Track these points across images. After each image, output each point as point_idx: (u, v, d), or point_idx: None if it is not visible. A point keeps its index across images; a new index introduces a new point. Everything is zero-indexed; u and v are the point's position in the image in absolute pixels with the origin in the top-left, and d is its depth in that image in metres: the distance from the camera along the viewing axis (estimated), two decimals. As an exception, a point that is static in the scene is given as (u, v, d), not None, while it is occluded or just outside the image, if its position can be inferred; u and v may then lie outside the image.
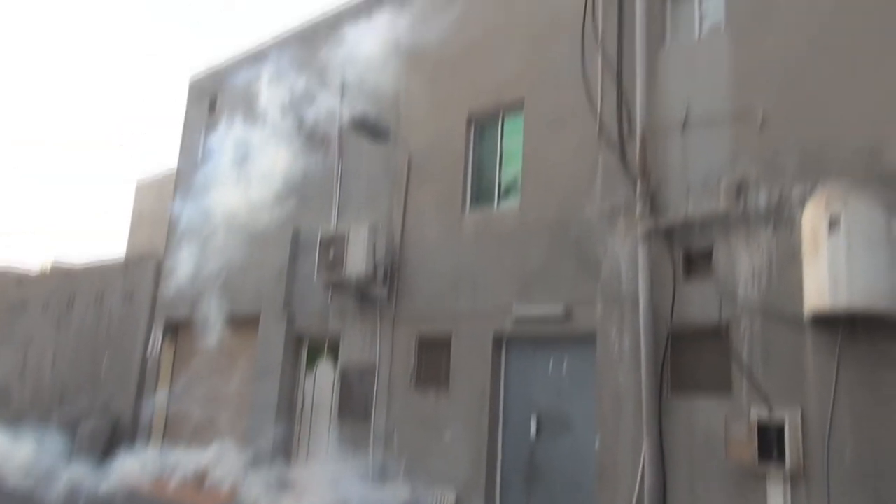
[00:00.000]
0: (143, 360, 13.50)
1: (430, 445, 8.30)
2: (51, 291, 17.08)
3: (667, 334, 6.62)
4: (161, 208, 15.63)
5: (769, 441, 5.73)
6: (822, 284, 5.36)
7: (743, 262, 6.31)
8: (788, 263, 5.99)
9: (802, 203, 5.89)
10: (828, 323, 5.61)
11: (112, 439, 13.35)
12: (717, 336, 6.30)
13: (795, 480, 5.69)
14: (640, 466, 6.50)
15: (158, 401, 12.95)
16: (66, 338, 15.99)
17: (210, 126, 13.17)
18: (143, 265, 14.30)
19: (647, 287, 6.71)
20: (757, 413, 5.89)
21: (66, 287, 16.59)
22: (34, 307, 17.44)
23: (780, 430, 5.70)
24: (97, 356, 14.62)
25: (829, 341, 5.66)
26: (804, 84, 6.26)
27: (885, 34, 5.91)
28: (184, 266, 13.01)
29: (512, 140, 8.72)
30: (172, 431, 12.86)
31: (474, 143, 9.13)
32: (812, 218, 5.59)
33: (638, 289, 6.81)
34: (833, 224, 5.35)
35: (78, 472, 11.28)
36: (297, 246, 10.85)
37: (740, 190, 6.42)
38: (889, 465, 5.33)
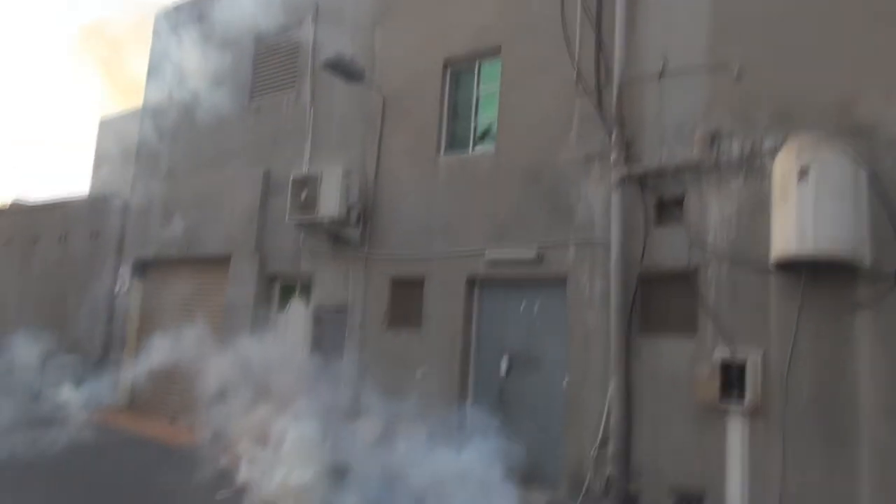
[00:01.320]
0: (112, 300, 13.38)
1: (402, 384, 8.47)
2: (13, 228, 16.67)
3: (637, 278, 6.81)
4: (124, 146, 15.24)
5: (731, 380, 6.02)
6: (790, 231, 5.54)
7: (713, 209, 6.48)
8: (757, 211, 6.17)
9: (773, 154, 6.02)
10: (792, 268, 5.83)
11: (81, 377, 13.34)
12: (686, 280, 6.50)
13: (754, 416, 6.00)
14: (607, 404, 6.78)
15: (128, 340, 12.92)
16: (31, 276, 15.71)
17: (177, 58, 12.75)
18: (108, 203, 14.00)
19: (620, 232, 6.85)
20: (720, 353, 6.16)
21: (29, 224, 16.21)
22: (-4, 244, 17.03)
23: (742, 370, 5.99)
24: (64, 295, 14.42)
25: (793, 286, 5.90)
26: (780, 37, 6.32)
27: (863, -15, 5.98)
28: (151, 205, 12.82)
29: (488, 86, 8.66)
30: (143, 370, 12.88)
31: (450, 88, 9.05)
32: (783, 167, 5.73)
33: (610, 234, 6.96)
34: (803, 173, 5.50)
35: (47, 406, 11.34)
36: (268, 187, 10.73)
37: (714, 140, 6.53)
38: (841, 404, 5.65)
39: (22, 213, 16.87)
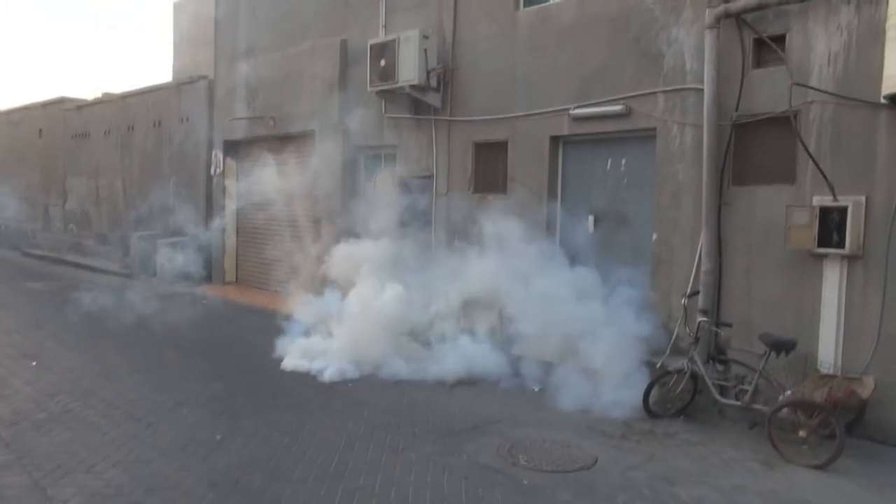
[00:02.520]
0: (209, 181, 14.04)
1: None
2: (110, 118, 17.48)
3: (731, 125, 6.50)
4: (202, 28, 15.34)
5: (830, 226, 5.80)
6: (905, 61, 5.08)
7: (819, 45, 5.98)
8: (869, 44, 5.66)
9: (892, -25, 5.42)
10: (905, 104, 5.41)
11: (190, 256, 14.34)
12: (785, 125, 6.14)
13: (854, 262, 5.82)
14: (697, 256, 6.73)
15: (227, 219, 13.65)
16: (132, 163, 16.62)
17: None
18: (195, 87, 14.35)
19: (713, 77, 6.47)
20: (820, 200, 5.91)
21: (123, 113, 16.93)
22: (96, 135, 17.98)
23: (843, 215, 5.75)
24: (163, 180, 15.24)
25: (905, 124, 5.50)
26: None
27: None
28: (235, 85, 13.05)
29: (568, -74, 8.05)
30: (244, 247, 13.69)
31: (527, -67, 8.49)
32: (902, -11, 5.17)
33: (703, 81, 6.59)
34: (925, -7, 4.95)
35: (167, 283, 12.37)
36: (346, 57, 10.67)
37: (823, -35, 5.91)
38: (951, 245, 5.39)
39: (114, 104, 17.58)
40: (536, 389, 7.17)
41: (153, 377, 7.39)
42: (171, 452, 5.30)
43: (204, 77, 14.17)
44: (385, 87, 9.22)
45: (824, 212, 5.84)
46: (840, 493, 4.84)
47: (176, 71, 17.43)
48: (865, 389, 5.58)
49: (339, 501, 4.52)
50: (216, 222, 13.45)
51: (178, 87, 15.08)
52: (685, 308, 6.48)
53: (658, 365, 6.59)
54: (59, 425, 5.82)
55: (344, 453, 5.36)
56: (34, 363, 7.76)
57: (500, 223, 7.89)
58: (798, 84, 5.99)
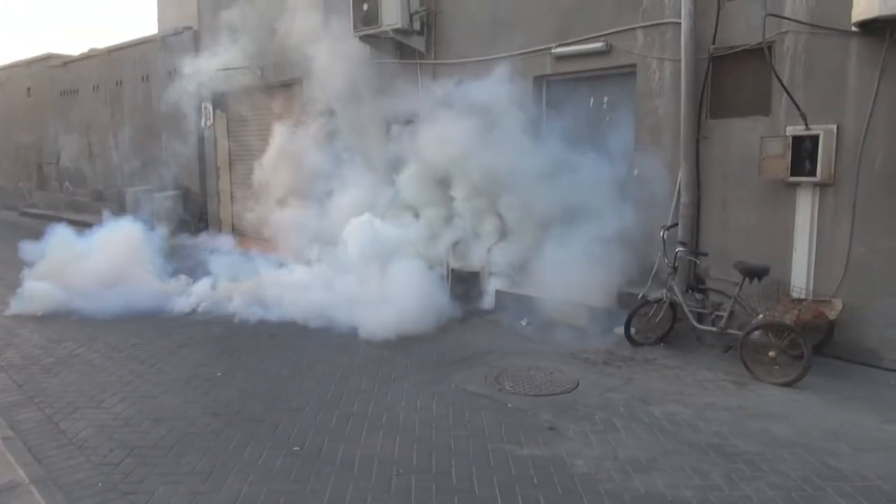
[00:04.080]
0: (201, 134, 14.08)
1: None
2: (96, 74, 17.37)
3: (708, 58, 6.61)
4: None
5: (802, 155, 5.97)
6: (873, -11, 5.17)
7: (793, -26, 6.04)
8: (842, -28, 5.73)
9: None
10: (875, 31, 5.51)
11: (186, 209, 14.52)
12: (759, 56, 6.25)
13: (825, 189, 6.02)
14: (676, 188, 6.92)
15: (221, 171, 13.76)
16: (122, 119, 16.60)
17: None
18: (180, 39, 14.25)
19: (690, 11, 6.53)
20: (793, 130, 6.07)
21: (110, 68, 16.82)
22: (85, 91, 17.88)
23: (815, 144, 5.91)
24: (155, 134, 15.27)
25: (874, 51, 5.61)
26: None
27: None
28: (220, 36, 12.95)
29: None
30: (239, 197, 13.84)
31: None
32: (872, -85, 5.22)
33: (680, 15, 6.65)
34: (893, -81, 5.01)
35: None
36: (329, 1, 10.59)
37: None
38: (917, 169, 5.57)
39: (100, 58, 17.41)
40: (524, 323, 7.46)
41: (154, 324, 7.68)
42: (175, 388, 5.61)
43: (189, 28, 14.06)
44: (369, 32, 9.23)
45: (797, 141, 6.00)
46: (803, 406, 5.15)
47: (161, 23, 17.21)
48: (833, 311, 5.86)
49: (334, 425, 4.83)
50: (209, 174, 13.55)
51: (163, 39, 14.96)
52: (664, 240, 6.70)
53: (640, 295, 6.86)
54: (67, 368, 6.12)
55: (339, 384, 5.66)
56: (40, 314, 8.02)
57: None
58: (772, 15, 6.06)
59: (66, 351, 6.64)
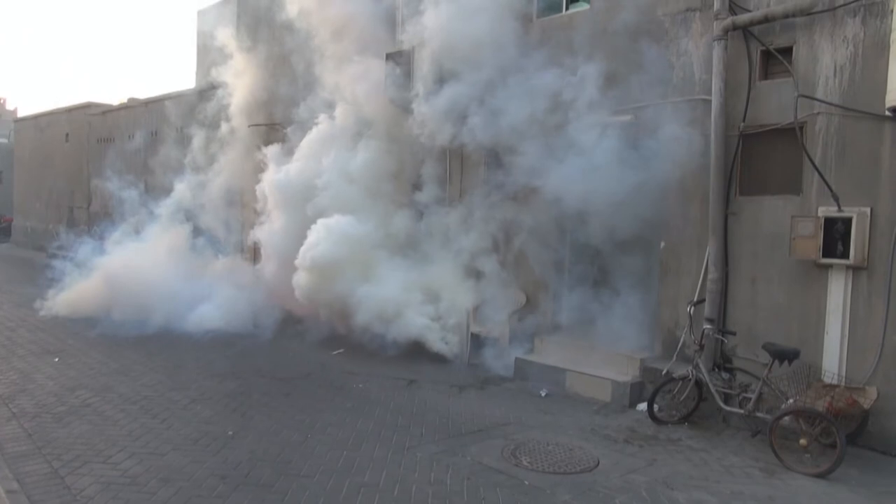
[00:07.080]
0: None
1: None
2: (134, 123, 17.85)
3: (738, 136, 6.58)
4: (224, 35, 15.61)
5: (834, 236, 5.86)
6: (908, 74, 5.15)
7: (825, 57, 6.05)
8: (875, 56, 5.73)
9: (897, -11, 5.49)
10: (909, 116, 5.47)
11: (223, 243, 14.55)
12: (791, 136, 6.22)
13: (858, 272, 5.87)
14: (704, 264, 6.80)
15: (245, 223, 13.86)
16: (155, 168, 16.93)
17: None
18: (216, 93, 14.62)
19: (721, 88, 6.56)
20: (825, 210, 5.98)
21: (146, 118, 17.29)
22: (120, 139, 18.36)
23: (847, 226, 5.80)
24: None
25: (909, 136, 5.56)
26: None
27: None
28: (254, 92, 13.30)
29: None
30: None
31: (540, -56, 8.63)
32: (906, 3, 5.24)
33: (710, 91, 6.68)
34: (928, 8, 5.02)
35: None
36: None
37: (830, -21, 5.99)
38: (955, 256, 5.42)
39: (138, 109, 17.93)
40: (543, 394, 7.27)
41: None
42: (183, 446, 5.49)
43: (225, 83, 14.44)
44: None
45: (829, 222, 5.90)
46: (837, 500, 4.89)
47: (199, 78, 17.74)
48: (868, 399, 5.63)
49: (344, 496, 4.66)
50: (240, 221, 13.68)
51: (199, 93, 15.39)
52: (691, 316, 6.55)
53: (664, 372, 6.67)
54: (79, 418, 6.04)
55: (351, 451, 5.50)
56: (56, 359, 8.01)
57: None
58: (804, 96, 6.07)
59: (79, 400, 6.57)
